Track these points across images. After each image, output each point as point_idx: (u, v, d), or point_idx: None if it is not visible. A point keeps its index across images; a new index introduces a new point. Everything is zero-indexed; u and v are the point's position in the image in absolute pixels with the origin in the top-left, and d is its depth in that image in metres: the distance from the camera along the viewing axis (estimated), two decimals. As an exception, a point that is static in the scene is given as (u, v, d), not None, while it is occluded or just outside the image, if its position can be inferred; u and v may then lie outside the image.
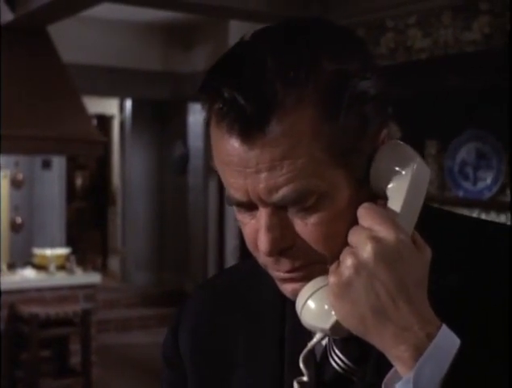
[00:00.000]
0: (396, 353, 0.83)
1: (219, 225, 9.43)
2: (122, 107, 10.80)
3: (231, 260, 8.50)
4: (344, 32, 0.93)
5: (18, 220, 7.99)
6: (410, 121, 4.93)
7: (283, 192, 0.86)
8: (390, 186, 0.90)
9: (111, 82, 9.02)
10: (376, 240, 0.84)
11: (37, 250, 7.17)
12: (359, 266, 0.84)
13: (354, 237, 0.86)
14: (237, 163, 0.87)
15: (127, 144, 10.52)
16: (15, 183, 7.96)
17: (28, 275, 6.80)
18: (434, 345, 0.81)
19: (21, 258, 7.30)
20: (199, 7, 5.92)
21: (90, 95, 8.90)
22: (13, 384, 6.40)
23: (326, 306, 0.89)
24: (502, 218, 4.71)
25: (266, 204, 0.88)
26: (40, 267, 6.92)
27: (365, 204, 0.88)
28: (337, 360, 0.96)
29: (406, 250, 0.84)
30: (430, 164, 4.95)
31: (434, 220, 0.96)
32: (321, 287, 0.90)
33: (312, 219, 0.88)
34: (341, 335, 0.91)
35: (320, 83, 0.85)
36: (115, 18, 8.63)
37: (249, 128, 0.85)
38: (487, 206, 4.86)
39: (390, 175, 0.90)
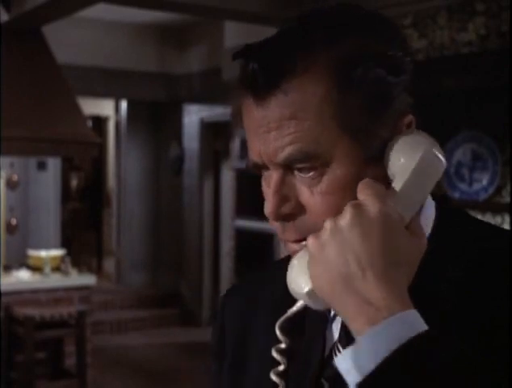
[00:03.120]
0: (356, 326, 0.82)
1: (214, 227, 9.43)
2: (117, 108, 10.79)
3: (226, 262, 8.49)
4: (379, 17, 0.95)
5: (14, 221, 7.97)
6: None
7: (288, 151, 0.89)
8: (396, 167, 0.91)
9: (106, 83, 9.00)
10: (357, 207, 0.85)
11: (32, 252, 7.15)
12: (335, 230, 0.84)
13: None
14: (254, 125, 0.93)
15: (122, 145, 10.50)
16: (10, 185, 7.95)
17: (23, 276, 6.79)
18: (386, 323, 0.80)
19: (16, 259, 7.28)
20: (194, 8, 5.91)
21: (86, 96, 8.89)
22: (8, 386, 6.38)
23: (307, 272, 0.89)
24: (498, 220, 4.71)
25: (275, 165, 0.92)
26: (35, 269, 6.90)
27: (365, 180, 0.89)
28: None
29: (389, 225, 0.84)
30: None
31: (452, 218, 0.97)
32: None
33: (319, 188, 0.90)
34: (317, 305, 0.90)
35: (340, 52, 0.89)
36: (110, 19, 8.61)
37: (262, 89, 0.90)
38: (483, 207, 4.86)
39: (399, 157, 0.91)
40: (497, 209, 4.77)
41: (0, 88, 6.18)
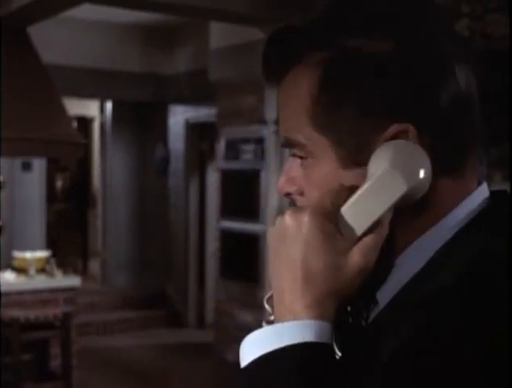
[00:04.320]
0: (275, 314, 0.89)
1: (199, 227, 9.42)
2: (102, 109, 10.76)
3: (211, 262, 8.49)
4: (399, 15, 0.91)
5: (-1, 222, 7.93)
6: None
7: (282, 135, 0.95)
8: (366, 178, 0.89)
9: (92, 83, 8.98)
10: (293, 213, 0.88)
11: (17, 253, 7.12)
12: (277, 227, 0.89)
13: None
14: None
15: (107, 146, 10.48)
16: (-5, 186, 7.90)
17: (8, 278, 6.76)
18: (284, 325, 0.85)
19: (1, 261, 7.25)
20: (179, 9, 5.91)
21: (71, 97, 8.86)
22: (-7, 388, 6.36)
23: None
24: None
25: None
26: (20, 270, 6.87)
27: (332, 187, 0.91)
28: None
29: (314, 237, 0.86)
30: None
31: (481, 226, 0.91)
32: None
33: (310, 179, 0.93)
34: None
35: (333, 52, 0.90)
36: (96, 20, 8.59)
37: (271, 74, 0.96)
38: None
39: (368, 169, 0.89)
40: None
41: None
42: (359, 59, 0.87)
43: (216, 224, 7.86)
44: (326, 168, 0.91)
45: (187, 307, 9.41)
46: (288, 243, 0.87)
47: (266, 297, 0.97)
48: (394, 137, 0.87)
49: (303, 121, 0.91)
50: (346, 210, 0.88)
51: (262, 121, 6.63)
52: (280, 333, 0.84)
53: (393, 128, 0.87)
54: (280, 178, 0.97)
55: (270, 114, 6.30)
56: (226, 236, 7.50)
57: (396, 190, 0.87)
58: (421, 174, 0.87)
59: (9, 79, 6.44)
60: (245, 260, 7.20)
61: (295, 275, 0.86)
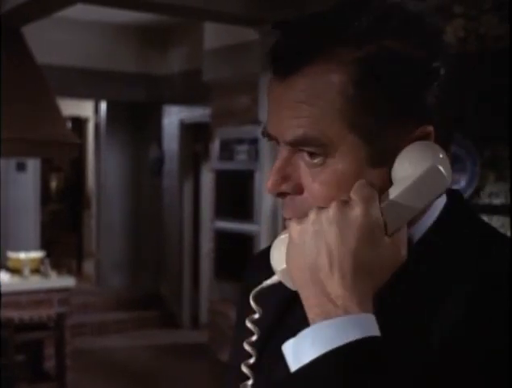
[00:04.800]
0: (312, 314, 0.86)
1: (194, 228, 9.42)
2: (97, 109, 10.75)
3: (206, 262, 8.48)
4: (419, 21, 0.93)
5: (-7, 223, 7.91)
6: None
7: (294, 133, 0.92)
8: (398, 175, 0.91)
9: (86, 83, 8.97)
10: (342, 206, 0.87)
11: (11, 254, 7.11)
12: (316, 221, 0.87)
13: None
14: (273, 99, 0.96)
15: (102, 146, 10.46)
16: (-11, 186, 7.89)
17: (3, 279, 6.75)
18: (336, 321, 0.83)
19: (-4, 261, 7.25)
20: (174, 9, 5.91)
21: (65, 97, 8.84)
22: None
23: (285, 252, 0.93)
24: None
25: (284, 143, 0.95)
26: (14, 271, 6.86)
27: (361, 180, 0.90)
28: None
29: (366, 231, 0.86)
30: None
31: (452, 218, 0.97)
32: None
33: (320, 177, 0.92)
34: (289, 284, 0.94)
35: (365, 52, 0.89)
36: (91, 20, 8.59)
37: (285, 68, 0.92)
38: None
39: (403, 167, 0.91)
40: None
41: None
42: (398, 60, 0.89)
43: (210, 224, 7.85)
44: (350, 166, 0.91)
45: (181, 308, 9.41)
46: (334, 236, 0.86)
47: (252, 294, 0.98)
48: (420, 138, 0.91)
49: (328, 119, 0.90)
50: (399, 196, 0.89)
51: (256, 122, 6.62)
52: (341, 328, 0.82)
53: (422, 130, 0.91)
54: (271, 177, 0.95)
55: (265, 114, 6.30)
56: (220, 236, 7.49)
57: (443, 183, 0.91)
58: (450, 172, 0.91)
59: (2, 80, 6.43)
60: (239, 261, 7.19)
61: (343, 268, 0.85)
